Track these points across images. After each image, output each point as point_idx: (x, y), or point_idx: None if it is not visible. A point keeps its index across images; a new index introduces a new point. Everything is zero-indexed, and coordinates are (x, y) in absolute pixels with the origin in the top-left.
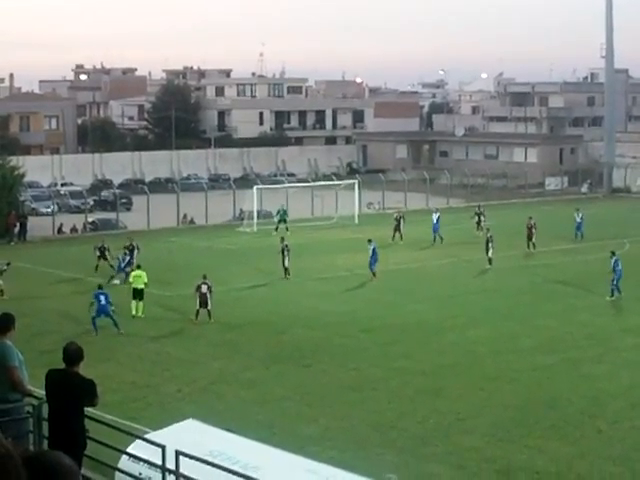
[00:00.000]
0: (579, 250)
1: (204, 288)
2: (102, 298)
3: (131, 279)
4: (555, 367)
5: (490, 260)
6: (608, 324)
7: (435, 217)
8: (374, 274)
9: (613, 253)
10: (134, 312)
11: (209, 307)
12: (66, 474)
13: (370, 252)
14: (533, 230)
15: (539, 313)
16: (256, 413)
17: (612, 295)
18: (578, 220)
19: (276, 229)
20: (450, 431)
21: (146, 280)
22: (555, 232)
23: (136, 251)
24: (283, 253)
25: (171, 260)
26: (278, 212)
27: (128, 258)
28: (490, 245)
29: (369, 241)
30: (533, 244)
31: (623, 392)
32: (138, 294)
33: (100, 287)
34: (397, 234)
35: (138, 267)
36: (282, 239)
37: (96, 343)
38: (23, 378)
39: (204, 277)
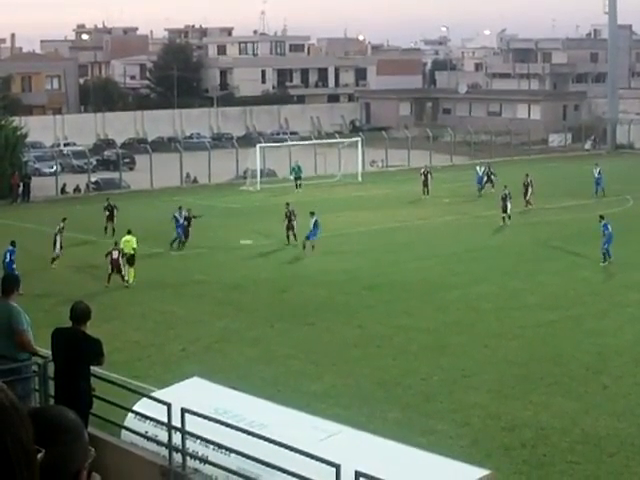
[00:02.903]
0: (583, 207)
1: (115, 254)
2: (7, 255)
3: (121, 245)
4: (559, 323)
5: (509, 217)
6: (611, 280)
7: (480, 170)
8: (313, 246)
9: (602, 217)
10: (131, 280)
11: (123, 272)
12: (70, 428)
13: (311, 225)
14: (529, 188)
15: (543, 270)
16: (261, 371)
17: (604, 260)
18: (597, 175)
19: (296, 186)
20: (454, 388)
21: (135, 245)
22: (559, 189)
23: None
24: (290, 219)
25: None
26: (293, 169)
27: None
28: (508, 203)
29: (311, 214)
30: (527, 201)
31: (627, 348)
32: (129, 260)
33: (12, 244)
34: (426, 189)
35: (128, 232)
36: (287, 204)
37: (101, 302)
38: (31, 339)
39: (115, 244)
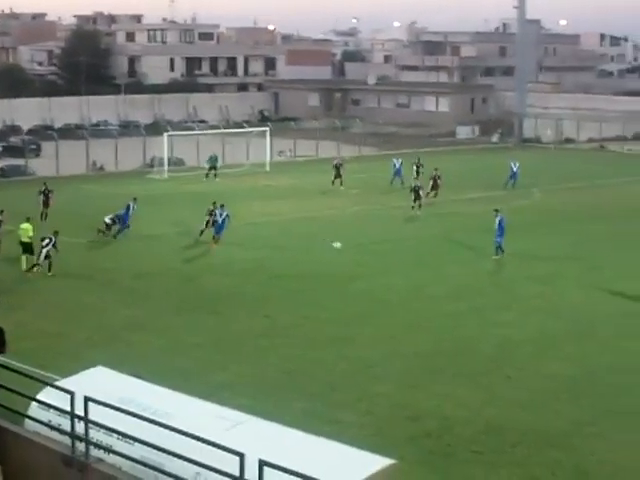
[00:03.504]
0: (488, 199)
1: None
2: None
3: (19, 232)
4: (463, 315)
5: (420, 206)
6: (514, 272)
7: (398, 162)
8: (216, 241)
9: (497, 211)
10: (24, 266)
11: (38, 260)
12: None
13: (220, 218)
14: (438, 181)
15: (448, 261)
16: (167, 360)
17: (497, 254)
18: (514, 169)
19: (206, 176)
20: (360, 378)
21: (31, 234)
22: (468, 181)
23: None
24: (212, 217)
25: (80, 207)
26: (210, 158)
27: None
28: (420, 193)
29: (221, 206)
30: (435, 194)
31: (529, 339)
32: (26, 248)
33: None
34: (337, 180)
35: (27, 220)
36: (214, 203)
37: (12, 291)
38: None
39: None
